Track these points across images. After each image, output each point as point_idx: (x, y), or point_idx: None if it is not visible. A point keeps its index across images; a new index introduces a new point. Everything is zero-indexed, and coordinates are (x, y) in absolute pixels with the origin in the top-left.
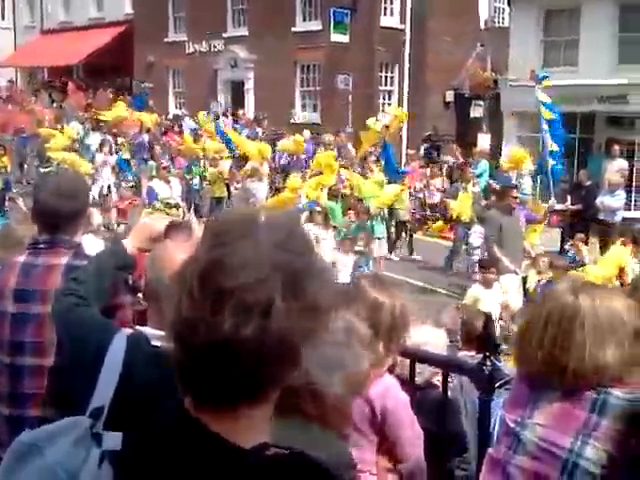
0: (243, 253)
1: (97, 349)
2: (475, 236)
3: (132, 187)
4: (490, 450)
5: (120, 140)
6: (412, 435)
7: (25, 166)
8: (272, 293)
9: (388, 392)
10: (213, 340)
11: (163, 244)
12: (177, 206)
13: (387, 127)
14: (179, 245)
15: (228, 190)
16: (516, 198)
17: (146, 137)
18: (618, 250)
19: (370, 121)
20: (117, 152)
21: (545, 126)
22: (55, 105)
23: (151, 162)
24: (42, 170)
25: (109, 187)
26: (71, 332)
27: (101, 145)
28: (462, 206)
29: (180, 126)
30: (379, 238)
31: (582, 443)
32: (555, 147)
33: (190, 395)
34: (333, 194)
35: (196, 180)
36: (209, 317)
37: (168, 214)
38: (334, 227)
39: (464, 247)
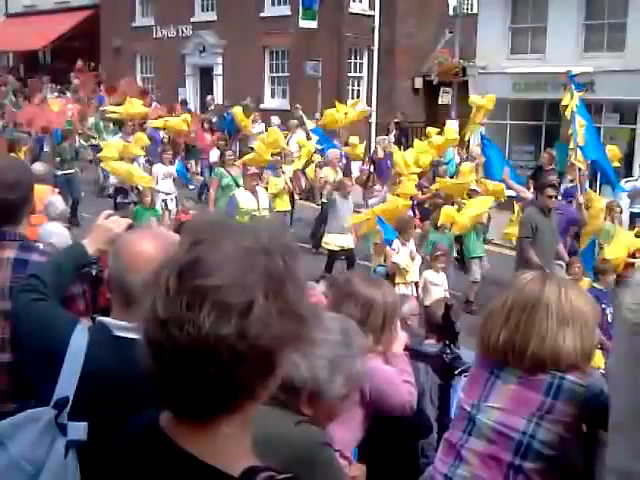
0: (224, 252)
1: (59, 341)
2: None
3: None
4: (446, 434)
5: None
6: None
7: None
8: (253, 294)
9: (374, 372)
10: (189, 339)
11: (125, 238)
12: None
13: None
14: (141, 236)
15: (292, 202)
16: (552, 197)
17: (161, 134)
18: (628, 235)
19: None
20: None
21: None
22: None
23: (220, 169)
24: (59, 173)
25: (173, 200)
26: (32, 326)
27: (162, 153)
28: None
29: (209, 122)
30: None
31: (536, 425)
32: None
33: (167, 408)
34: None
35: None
36: (185, 314)
37: None
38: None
39: None
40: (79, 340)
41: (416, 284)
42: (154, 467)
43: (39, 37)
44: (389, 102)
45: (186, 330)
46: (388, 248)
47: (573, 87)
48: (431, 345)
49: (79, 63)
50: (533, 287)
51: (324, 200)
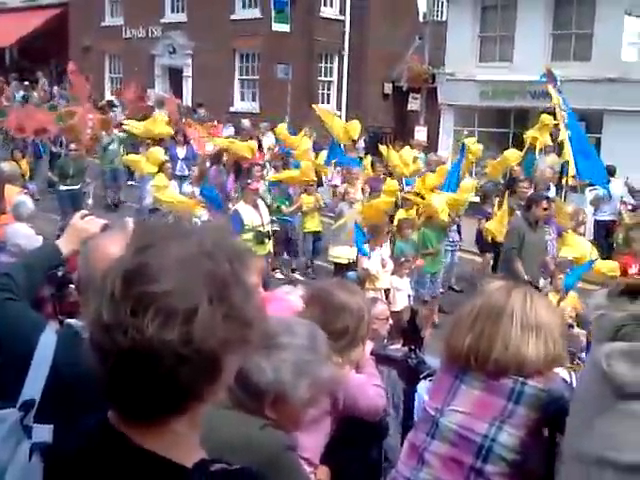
0: (169, 258)
1: (28, 343)
2: None
3: None
4: (409, 436)
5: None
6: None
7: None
8: (197, 300)
9: (346, 379)
10: (133, 344)
11: (96, 239)
12: (269, 236)
13: None
14: (112, 238)
15: None
16: (546, 209)
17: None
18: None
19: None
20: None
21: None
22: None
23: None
24: (64, 188)
25: None
26: (2, 326)
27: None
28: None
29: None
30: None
31: (497, 429)
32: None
33: (114, 408)
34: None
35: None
36: (130, 320)
37: (259, 246)
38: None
39: None
40: (47, 342)
41: (386, 291)
42: (110, 463)
43: (6, 35)
44: (359, 107)
45: (130, 335)
46: (360, 254)
47: (553, 86)
48: (396, 350)
49: (72, 65)
50: (499, 295)
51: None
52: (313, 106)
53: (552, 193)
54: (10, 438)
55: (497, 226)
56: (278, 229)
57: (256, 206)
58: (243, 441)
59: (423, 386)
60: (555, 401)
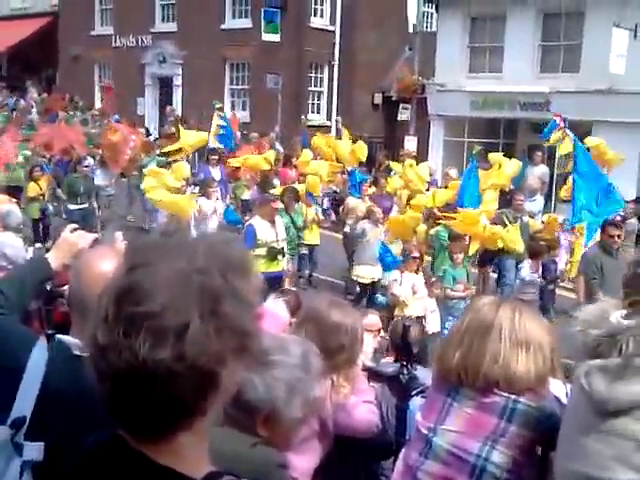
0: (158, 277)
1: (17, 358)
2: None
3: None
4: (402, 455)
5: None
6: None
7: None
8: (188, 316)
9: (340, 407)
10: (128, 365)
11: (87, 256)
12: (282, 253)
13: None
14: (102, 254)
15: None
16: (615, 236)
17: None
18: None
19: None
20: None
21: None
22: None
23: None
24: (71, 207)
25: None
26: None
27: (206, 186)
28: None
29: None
30: None
31: (490, 448)
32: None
33: (120, 426)
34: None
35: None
36: (123, 341)
37: (271, 262)
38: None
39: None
40: (38, 358)
41: (419, 318)
42: (120, 472)
43: None
44: (349, 117)
45: (124, 356)
46: (390, 279)
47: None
48: (388, 365)
49: (108, 81)
50: (488, 311)
51: (346, 230)
52: (313, 139)
53: (539, 203)
54: (1, 456)
55: (514, 238)
56: (306, 252)
57: (273, 222)
58: (234, 459)
59: (416, 403)
60: (547, 418)
